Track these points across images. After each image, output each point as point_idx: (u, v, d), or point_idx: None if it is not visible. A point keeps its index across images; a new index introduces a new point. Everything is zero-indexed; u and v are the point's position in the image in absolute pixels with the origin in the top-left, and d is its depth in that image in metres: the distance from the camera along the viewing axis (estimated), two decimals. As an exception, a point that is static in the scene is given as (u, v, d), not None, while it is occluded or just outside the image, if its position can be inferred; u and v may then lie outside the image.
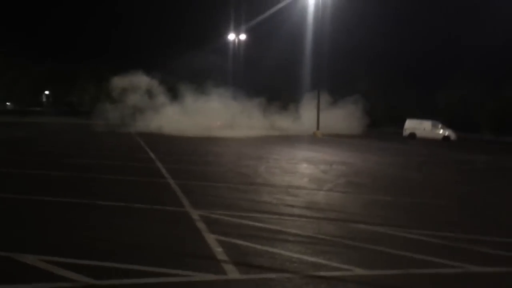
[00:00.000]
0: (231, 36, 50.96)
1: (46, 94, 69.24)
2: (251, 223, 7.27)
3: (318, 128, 38.43)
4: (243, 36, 50.77)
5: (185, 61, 45.55)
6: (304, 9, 40.92)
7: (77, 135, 28.62)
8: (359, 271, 5.35)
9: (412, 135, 42.12)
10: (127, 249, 5.81)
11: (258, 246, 6.05)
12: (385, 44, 51.87)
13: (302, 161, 17.45)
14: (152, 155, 17.06)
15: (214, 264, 5.33)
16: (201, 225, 6.96)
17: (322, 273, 5.20)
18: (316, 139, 34.75)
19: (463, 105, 53.19)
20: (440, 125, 42.51)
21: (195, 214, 7.68)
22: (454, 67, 52.63)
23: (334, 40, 47.21)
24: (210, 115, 37.00)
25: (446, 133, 41.65)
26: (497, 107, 50.72)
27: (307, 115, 41.45)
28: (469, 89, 51.60)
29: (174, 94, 36.81)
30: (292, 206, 8.89)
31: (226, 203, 8.77)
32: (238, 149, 21.83)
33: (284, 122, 42.86)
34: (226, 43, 52.14)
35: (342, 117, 42.40)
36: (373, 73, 52.34)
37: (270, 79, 50.43)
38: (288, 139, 31.07)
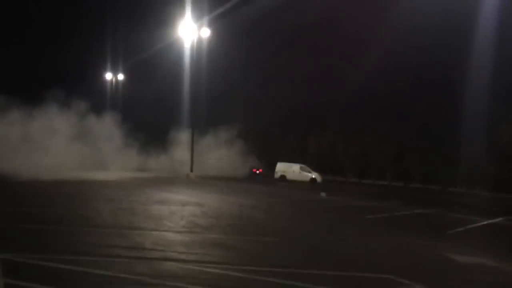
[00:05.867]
0: (108, 76, 50.13)
1: None
2: (56, 265, 7.23)
3: (192, 169, 38.87)
4: (121, 76, 50.25)
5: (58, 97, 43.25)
6: (180, 52, 41.85)
7: None
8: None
9: (283, 177, 44.74)
10: None
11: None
12: (262, 90, 55.31)
13: (157, 202, 17.55)
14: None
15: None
16: (-3, 269, 6.74)
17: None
18: (188, 181, 35.05)
19: (331, 150, 58.62)
20: (308, 168, 45.86)
21: (-3, 258, 7.40)
22: (323, 115, 58.00)
23: (212, 83, 49.07)
24: (82, 154, 35.48)
25: (313, 176, 44.99)
26: (358, 152, 56.95)
27: (186, 156, 41.74)
28: (335, 136, 57.42)
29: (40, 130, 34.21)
30: (115, 246, 8.99)
31: (41, 246, 8.57)
32: (96, 191, 21.16)
33: (160, 163, 42.68)
34: (103, 82, 51.11)
35: (223, 159, 43.65)
36: (250, 118, 55.17)
37: (149, 119, 50.27)
38: (159, 181, 30.91)
